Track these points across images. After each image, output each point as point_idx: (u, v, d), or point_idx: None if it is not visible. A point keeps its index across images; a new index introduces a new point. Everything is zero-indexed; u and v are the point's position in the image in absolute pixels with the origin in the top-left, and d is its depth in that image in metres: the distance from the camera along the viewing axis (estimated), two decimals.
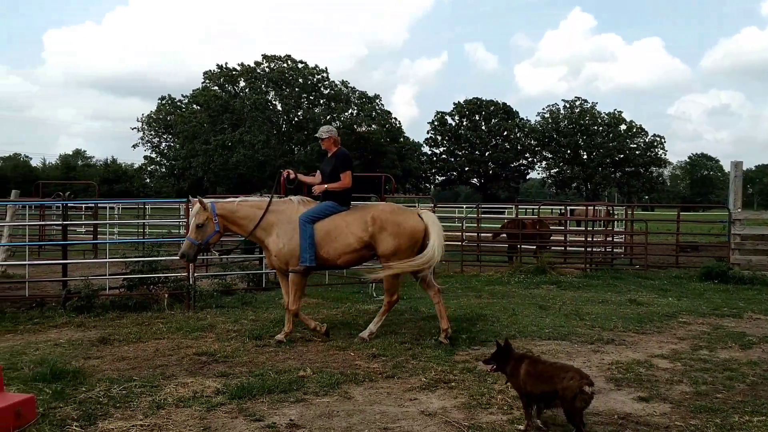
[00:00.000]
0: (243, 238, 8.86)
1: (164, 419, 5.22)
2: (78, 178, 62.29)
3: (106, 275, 11.35)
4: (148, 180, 73.78)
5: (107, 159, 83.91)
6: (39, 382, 6.07)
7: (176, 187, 65.54)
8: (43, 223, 17.77)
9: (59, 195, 14.29)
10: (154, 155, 71.89)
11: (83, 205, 21.13)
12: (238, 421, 5.21)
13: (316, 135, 8.71)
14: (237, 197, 8.65)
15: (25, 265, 12.41)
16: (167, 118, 69.28)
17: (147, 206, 23.56)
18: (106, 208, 23.78)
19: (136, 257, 11.96)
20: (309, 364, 6.77)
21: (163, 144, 72.21)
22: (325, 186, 8.37)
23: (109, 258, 12.14)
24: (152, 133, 71.25)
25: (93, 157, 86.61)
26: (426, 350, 7.45)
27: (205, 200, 8.06)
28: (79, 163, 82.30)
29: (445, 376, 6.44)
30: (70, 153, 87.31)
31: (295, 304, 8.07)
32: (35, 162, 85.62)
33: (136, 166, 78.68)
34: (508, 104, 79.01)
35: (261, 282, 12.36)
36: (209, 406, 5.46)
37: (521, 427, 5.08)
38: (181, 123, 65.46)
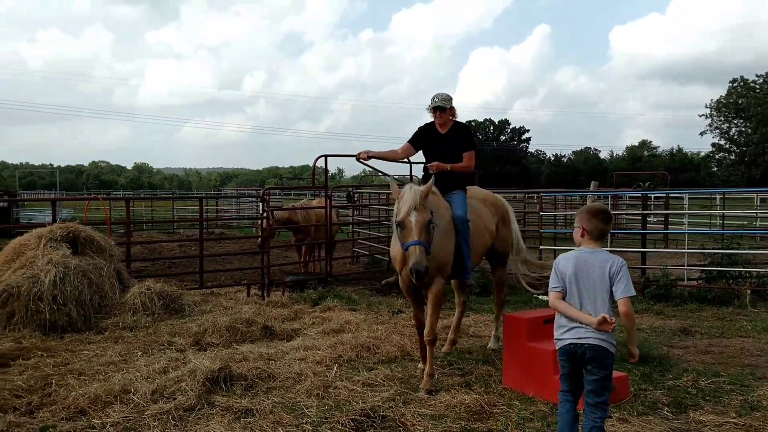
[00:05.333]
0: None
1: (760, 422, 4.82)
2: (644, 169, 63.66)
3: (684, 266, 11.25)
4: (715, 168, 70.25)
5: (672, 148, 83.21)
6: (627, 363, 6.39)
7: (746, 176, 60.40)
8: (617, 212, 18.78)
9: (639, 185, 14.82)
10: (722, 142, 67.85)
11: (652, 195, 21.51)
12: None
13: (436, 105, 6.47)
14: None
15: None
16: (738, 102, 64.29)
17: (717, 196, 22.36)
18: (674, 198, 23.65)
19: (714, 249, 11.47)
20: None
21: (733, 129, 67.36)
22: (449, 167, 6.34)
23: (687, 249, 11.94)
24: (721, 119, 67.21)
25: (658, 147, 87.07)
26: None
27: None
28: (645, 153, 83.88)
29: None
30: (636, 144, 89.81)
31: (436, 326, 5.96)
32: (603, 154, 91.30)
33: (702, 154, 75.96)
34: None
35: None
36: None
37: None
38: (755, 105, 59.78)
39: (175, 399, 5.23)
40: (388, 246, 15.70)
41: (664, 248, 15.63)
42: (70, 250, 8.26)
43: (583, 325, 3.92)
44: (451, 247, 5.99)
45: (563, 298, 4.03)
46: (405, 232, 5.39)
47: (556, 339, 4.10)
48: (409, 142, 6.66)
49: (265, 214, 11.26)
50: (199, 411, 5.08)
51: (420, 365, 6.20)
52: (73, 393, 5.39)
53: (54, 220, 9.61)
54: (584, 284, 3.96)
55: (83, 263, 8.11)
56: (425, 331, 5.92)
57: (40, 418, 4.99)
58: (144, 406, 5.13)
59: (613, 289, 3.89)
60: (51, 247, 8.15)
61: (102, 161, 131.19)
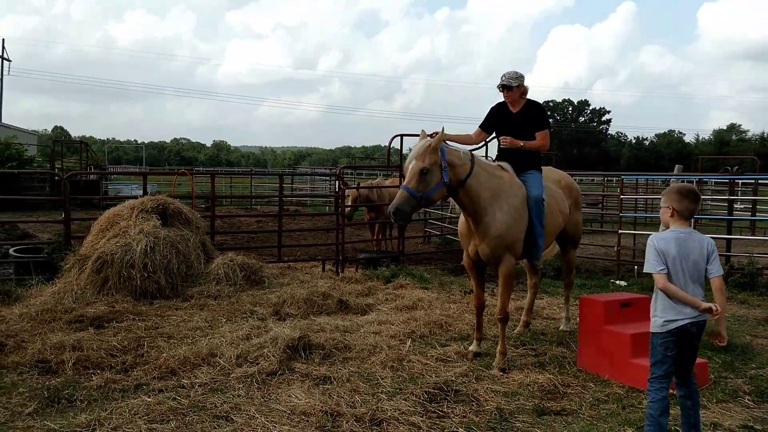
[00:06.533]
0: None
1: None
2: (731, 154, 60.67)
3: None
4: None
5: (763, 132, 78.80)
6: (708, 350, 6.24)
7: None
8: (702, 197, 18.01)
9: (726, 170, 14.22)
10: None
11: (740, 181, 20.51)
12: None
13: (503, 83, 6.29)
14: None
15: None
16: None
17: None
18: (764, 184, 22.49)
19: None
20: None
21: None
22: (521, 143, 6.14)
23: None
24: None
25: (747, 131, 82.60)
26: None
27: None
28: (733, 137, 79.80)
29: None
30: (724, 128, 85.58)
31: (508, 304, 6.07)
32: (688, 138, 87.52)
33: None
34: None
35: None
36: None
37: None
38: None
39: (258, 364, 5.49)
40: None
41: (750, 236, 14.97)
42: (159, 221, 8.71)
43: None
44: (521, 226, 5.90)
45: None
46: None
47: (666, 321, 3.98)
48: (480, 126, 6.55)
49: (346, 191, 11.56)
50: (281, 376, 5.33)
51: (471, 347, 6.19)
52: (163, 354, 5.75)
53: (145, 193, 10.13)
54: (686, 265, 3.96)
55: (172, 234, 8.54)
56: (496, 310, 6.02)
57: (134, 376, 5.35)
58: (229, 369, 5.42)
59: (708, 267, 3.97)
60: (142, 218, 8.61)
61: (183, 138, 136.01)
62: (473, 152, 5.95)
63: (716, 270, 3.97)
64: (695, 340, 4.02)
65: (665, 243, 4.00)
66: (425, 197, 5.43)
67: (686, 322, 3.93)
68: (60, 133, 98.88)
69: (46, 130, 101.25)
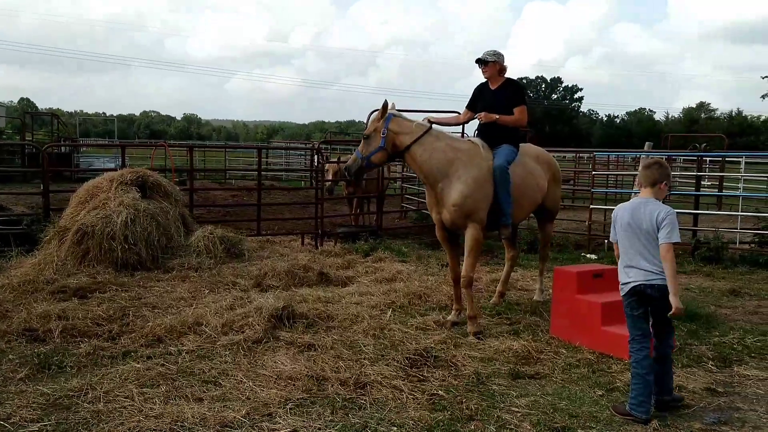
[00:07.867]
0: None
1: None
2: (700, 131, 61.72)
3: (737, 229, 11.17)
4: None
5: (731, 111, 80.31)
6: (674, 319, 6.52)
7: None
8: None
9: (695, 147, 14.59)
10: None
11: (707, 158, 20.98)
12: None
13: (479, 58, 6.60)
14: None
15: None
16: None
17: None
18: (731, 162, 23.07)
19: None
20: None
21: None
22: (497, 116, 6.38)
23: (741, 212, 11.82)
24: None
25: (716, 109, 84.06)
26: None
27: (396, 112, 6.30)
28: (702, 116, 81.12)
29: None
30: (693, 106, 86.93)
31: (473, 270, 6.26)
32: (658, 116, 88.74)
33: (763, 118, 73.14)
34: None
35: None
36: None
37: None
38: None
39: (243, 332, 5.64)
40: None
41: (717, 211, 15.41)
42: (139, 193, 8.73)
43: (648, 268, 4.21)
44: (481, 196, 6.11)
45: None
46: None
47: (623, 284, 4.38)
48: (467, 107, 6.89)
49: (326, 166, 11.69)
50: (266, 344, 5.48)
51: (450, 317, 6.48)
52: (149, 323, 5.85)
53: (123, 165, 10.11)
54: (639, 231, 4.27)
55: (151, 206, 8.58)
56: (462, 273, 6.26)
57: (121, 344, 5.46)
58: (215, 337, 5.56)
59: (658, 235, 4.20)
60: (122, 190, 8.62)
61: (153, 111, 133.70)
62: (433, 126, 6.32)
63: (663, 237, 4.14)
64: (656, 302, 4.25)
65: (622, 211, 4.39)
66: (367, 158, 6.24)
67: (638, 283, 4.24)
68: (27, 104, 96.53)
69: (11, 101, 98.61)
